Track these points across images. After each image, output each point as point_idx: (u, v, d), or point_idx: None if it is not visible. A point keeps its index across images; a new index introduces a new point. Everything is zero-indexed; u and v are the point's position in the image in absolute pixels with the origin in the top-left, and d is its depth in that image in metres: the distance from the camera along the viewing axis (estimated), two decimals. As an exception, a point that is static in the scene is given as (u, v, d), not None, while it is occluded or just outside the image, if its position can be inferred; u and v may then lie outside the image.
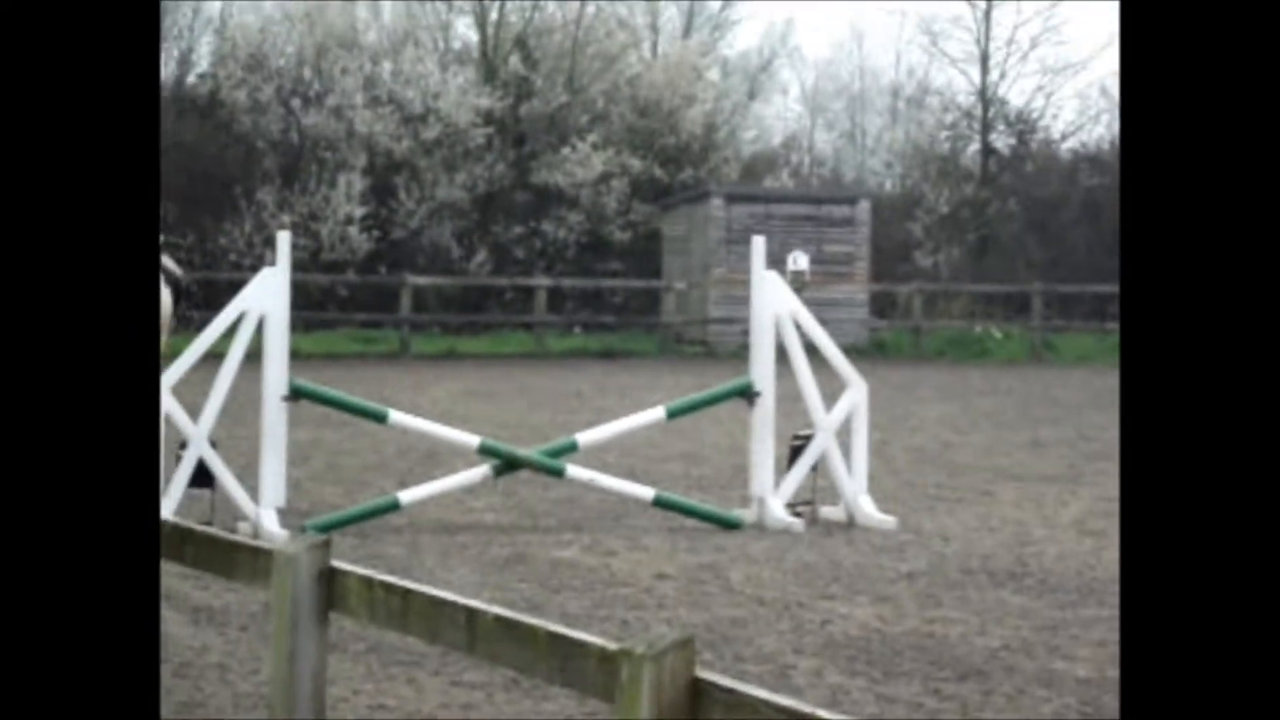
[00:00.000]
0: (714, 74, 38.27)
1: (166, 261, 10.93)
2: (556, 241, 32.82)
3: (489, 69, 34.09)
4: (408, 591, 4.05)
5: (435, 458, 13.10)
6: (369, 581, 4.17)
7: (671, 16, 40.38)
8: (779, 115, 44.74)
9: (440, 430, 10.43)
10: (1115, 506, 11.29)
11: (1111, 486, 12.33)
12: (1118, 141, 37.96)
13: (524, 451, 10.51)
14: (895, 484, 12.32)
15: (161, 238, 11.59)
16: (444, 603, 3.92)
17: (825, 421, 10.56)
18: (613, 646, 3.38)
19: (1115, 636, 7.31)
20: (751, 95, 41.31)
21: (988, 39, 38.39)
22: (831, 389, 10.81)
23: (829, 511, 10.67)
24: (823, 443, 10.53)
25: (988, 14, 38.25)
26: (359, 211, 31.29)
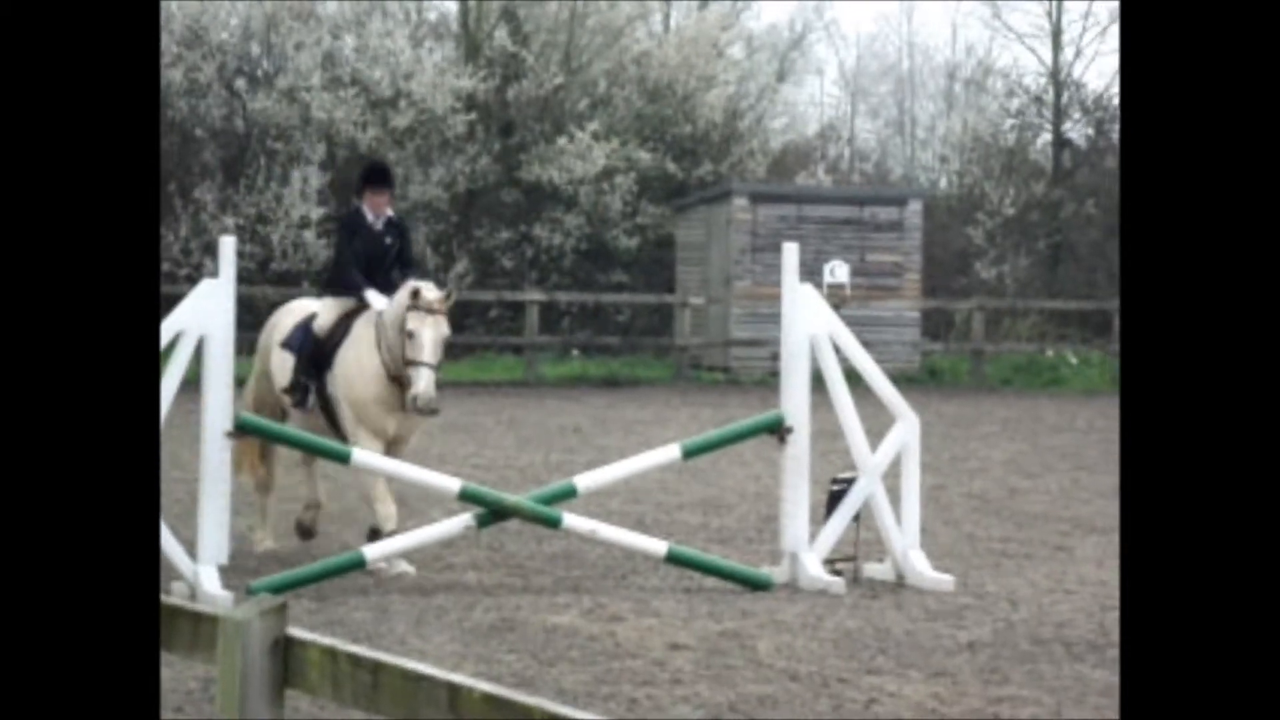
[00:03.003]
0: (737, 51, 38.39)
1: None
2: (551, 249, 32.89)
3: (471, 44, 34.21)
4: (378, 664, 4.04)
5: (407, 505, 13.09)
6: (332, 653, 4.17)
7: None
8: (814, 100, 44.91)
9: (413, 472, 10.44)
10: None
11: (1210, 541, 12.32)
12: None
13: (513, 498, 10.52)
14: (953, 537, 12.31)
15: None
16: (421, 678, 3.92)
17: (870, 463, 10.56)
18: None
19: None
20: (781, 77, 41.42)
21: (1060, 11, 38.50)
22: (877, 424, 10.81)
23: (875, 569, 10.66)
24: (867, 488, 10.52)
25: (1061, -19, 38.38)
26: (316, 213, 31.35)
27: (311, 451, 10.56)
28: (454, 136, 32.78)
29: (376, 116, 32.51)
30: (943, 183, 39.05)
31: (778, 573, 10.41)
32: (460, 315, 32.41)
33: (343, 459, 10.21)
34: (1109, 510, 13.93)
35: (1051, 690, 7.81)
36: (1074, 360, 30.76)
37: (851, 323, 12.28)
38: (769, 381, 25.01)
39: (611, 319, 32.85)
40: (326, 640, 4.25)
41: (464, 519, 10.24)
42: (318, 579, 9.92)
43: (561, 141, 33.00)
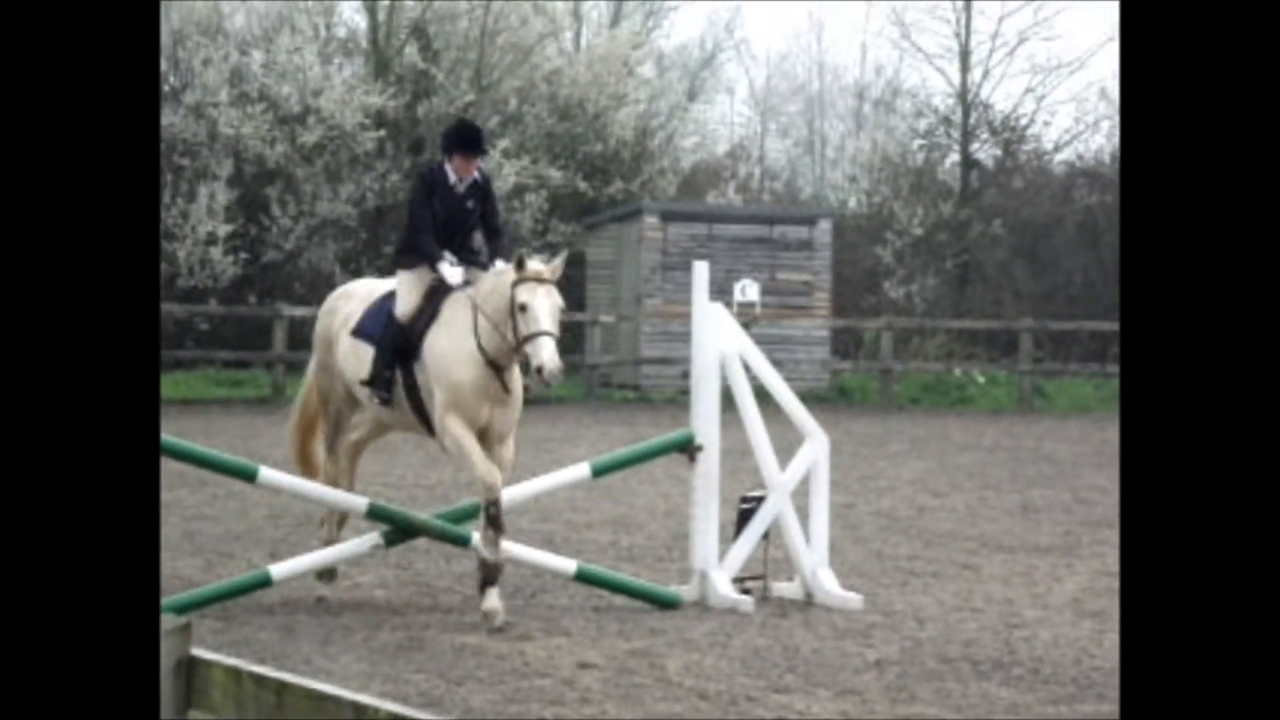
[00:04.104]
0: (648, 70, 38.48)
1: None
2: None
3: (380, 61, 34.09)
4: (282, 685, 4.01)
5: (314, 523, 13.02)
6: (236, 673, 4.13)
7: (597, 2, 40.62)
8: (724, 119, 45.09)
9: (320, 490, 10.37)
10: (1117, 583, 11.38)
11: (1113, 559, 12.43)
12: (1119, 153, 38.50)
13: (421, 516, 10.47)
14: (861, 555, 12.36)
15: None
16: (326, 698, 3.90)
17: (779, 481, 10.59)
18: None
19: (1120, 736, 7.37)
20: (692, 95, 41.54)
21: (969, 32, 38.84)
22: (787, 442, 10.84)
23: (784, 588, 10.69)
24: (776, 506, 10.55)
25: (968, 3, 38.71)
26: (224, 229, 31.13)
27: (216, 470, 10.39)
28: (363, 153, 32.64)
29: (285, 133, 32.33)
30: (852, 202, 39.27)
31: (687, 591, 10.42)
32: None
33: (249, 476, 10.11)
34: (1015, 529, 14.04)
35: (958, 708, 7.86)
36: (981, 379, 30.99)
37: (761, 341, 12.31)
38: (679, 400, 25.06)
39: (521, 337, 32.76)
40: (231, 660, 4.21)
41: (371, 537, 10.18)
42: (223, 598, 9.84)
43: (472, 159, 32.87)
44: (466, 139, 10.30)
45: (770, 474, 10.58)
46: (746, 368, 10.68)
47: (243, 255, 31.56)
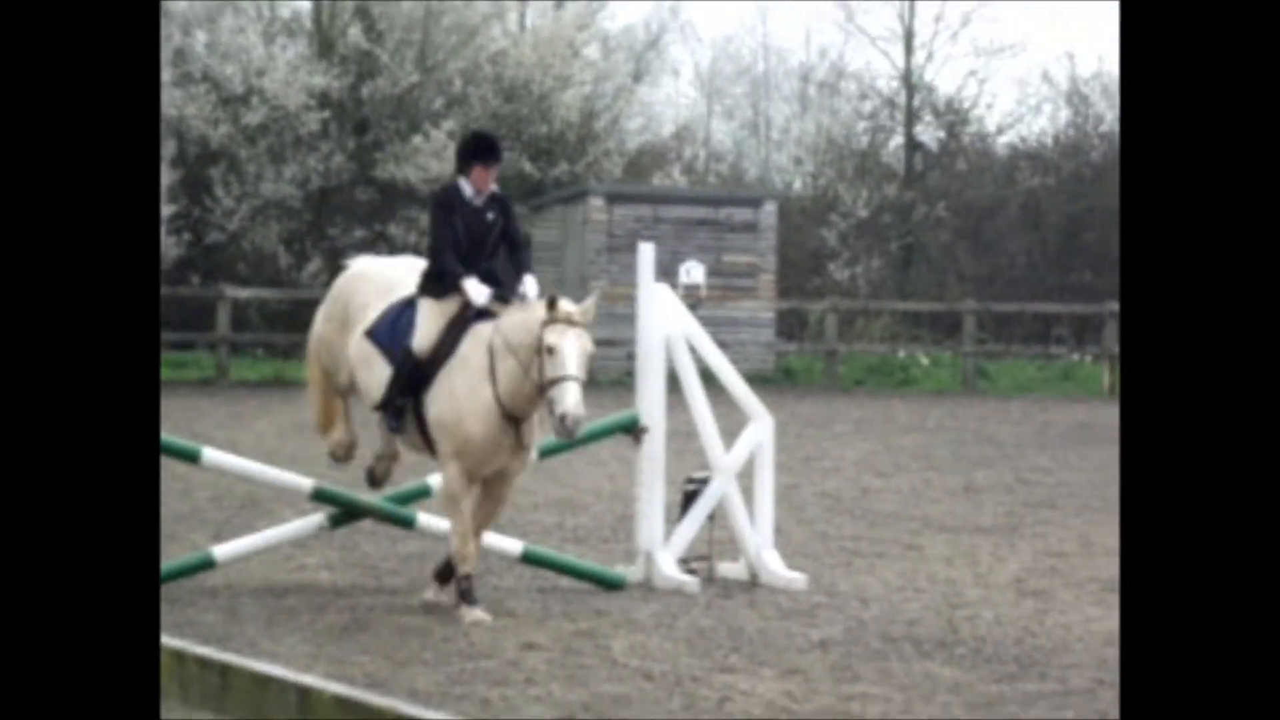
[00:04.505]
0: (593, 51, 38.41)
1: None
2: (406, 247, 32.65)
3: (324, 42, 33.93)
4: (226, 667, 4.00)
5: (258, 505, 12.98)
6: (179, 655, 4.12)
7: (543, -17, 40.49)
8: (670, 101, 45.03)
9: (265, 472, 10.34)
10: (1059, 563, 11.46)
11: (1055, 539, 12.51)
12: (1061, 135, 38.67)
13: (366, 497, 10.45)
14: (806, 536, 12.40)
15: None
16: (270, 680, 3.89)
17: (724, 462, 10.60)
18: (474, 730, 3.39)
19: (1060, 715, 7.42)
20: (637, 77, 41.49)
21: (912, 14, 38.93)
22: (732, 423, 10.86)
23: (728, 569, 10.71)
24: (721, 487, 10.57)
25: (913, -15, 38.77)
26: (166, 210, 30.96)
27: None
28: (307, 134, 32.49)
29: (228, 113, 32.15)
30: (797, 184, 39.34)
31: (632, 572, 10.43)
32: (312, 315, 32.15)
33: (192, 458, 10.07)
34: (958, 509, 14.11)
35: (901, 688, 7.89)
36: (925, 361, 31.12)
37: (707, 323, 12.32)
38: (625, 381, 25.06)
39: (467, 319, 32.70)
40: (175, 642, 4.20)
41: (317, 519, 10.16)
42: (166, 580, 9.80)
43: (416, 140, 32.81)
44: (484, 149, 9.94)
45: (715, 455, 10.59)
46: (692, 349, 10.69)
47: (186, 236, 31.41)
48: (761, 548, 10.56)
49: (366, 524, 10.87)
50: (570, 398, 9.02)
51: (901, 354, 31.32)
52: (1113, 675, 8.18)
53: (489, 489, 9.59)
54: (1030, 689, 7.91)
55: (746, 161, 43.04)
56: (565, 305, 9.25)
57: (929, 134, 38.65)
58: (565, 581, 10.33)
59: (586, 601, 9.86)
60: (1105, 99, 38.21)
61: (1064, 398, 27.79)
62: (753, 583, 10.48)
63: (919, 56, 38.82)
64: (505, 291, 9.57)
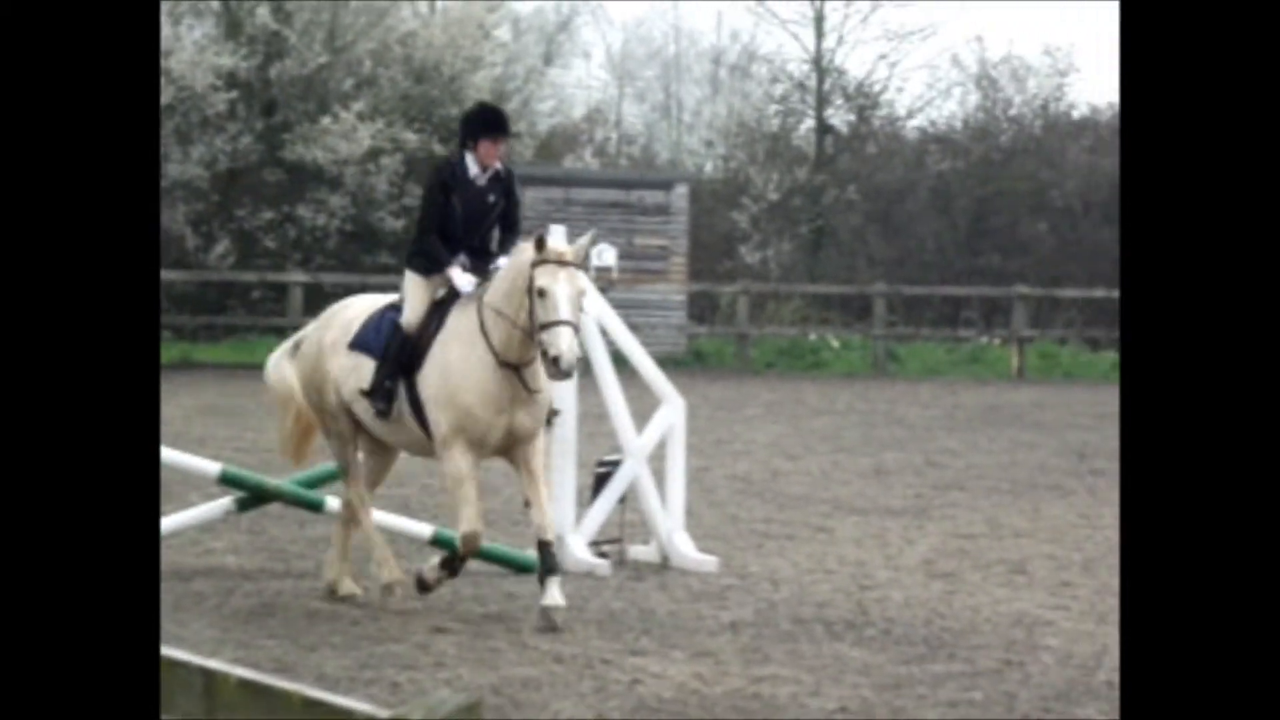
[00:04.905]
0: (504, 33, 38.28)
1: None
2: (315, 229, 32.49)
3: (232, 22, 33.64)
4: (131, 651, 3.96)
5: (165, 489, 12.84)
6: (83, 640, 4.07)
7: (453, -36, 40.32)
8: (581, 83, 44.96)
9: (171, 456, 10.25)
10: (968, 544, 11.55)
11: (964, 521, 12.60)
12: (971, 120, 38.92)
13: (274, 481, 10.38)
14: (717, 518, 12.43)
15: None
16: (176, 664, 3.85)
17: (635, 445, 10.61)
18: (383, 714, 3.36)
19: (968, 696, 7.47)
20: (548, 60, 41.42)
21: (824, -2, 39.01)
22: (643, 406, 10.86)
23: (640, 551, 10.72)
24: (632, 470, 10.57)
25: (824, -31, 38.90)
26: (72, 191, 30.64)
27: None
28: (214, 115, 32.19)
29: (135, 93, 31.80)
30: (708, 167, 39.40)
31: (543, 555, 10.42)
32: (221, 297, 31.91)
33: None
34: (868, 491, 14.18)
35: (811, 669, 7.93)
36: (835, 344, 31.25)
37: (618, 306, 12.31)
38: (535, 364, 25.03)
39: (377, 301, 32.55)
40: (78, 628, 4.15)
41: (224, 503, 10.09)
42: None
43: (326, 121, 32.58)
44: (491, 122, 9.48)
45: (627, 438, 10.60)
46: (603, 332, 10.68)
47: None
48: (673, 530, 10.58)
49: (274, 508, 10.79)
50: (563, 340, 8.60)
51: (812, 337, 31.44)
52: (1019, 655, 8.26)
53: (514, 463, 9.13)
54: (938, 670, 7.96)
55: (658, 144, 43.05)
56: (555, 243, 8.88)
57: (839, 118, 38.79)
58: (476, 564, 10.30)
59: (497, 584, 9.84)
60: (1014, 83, 38.49)
61: (973, 380, 27.99)
62: (664, 565, 10.49)
63: (830, 40, 38.95)
64: (491, 275, 9.18)
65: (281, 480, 10.42)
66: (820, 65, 38.64)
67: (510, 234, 9.45)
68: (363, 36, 34.45)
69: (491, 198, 9.32)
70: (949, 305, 33.14)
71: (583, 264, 8.94)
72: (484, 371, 8.85)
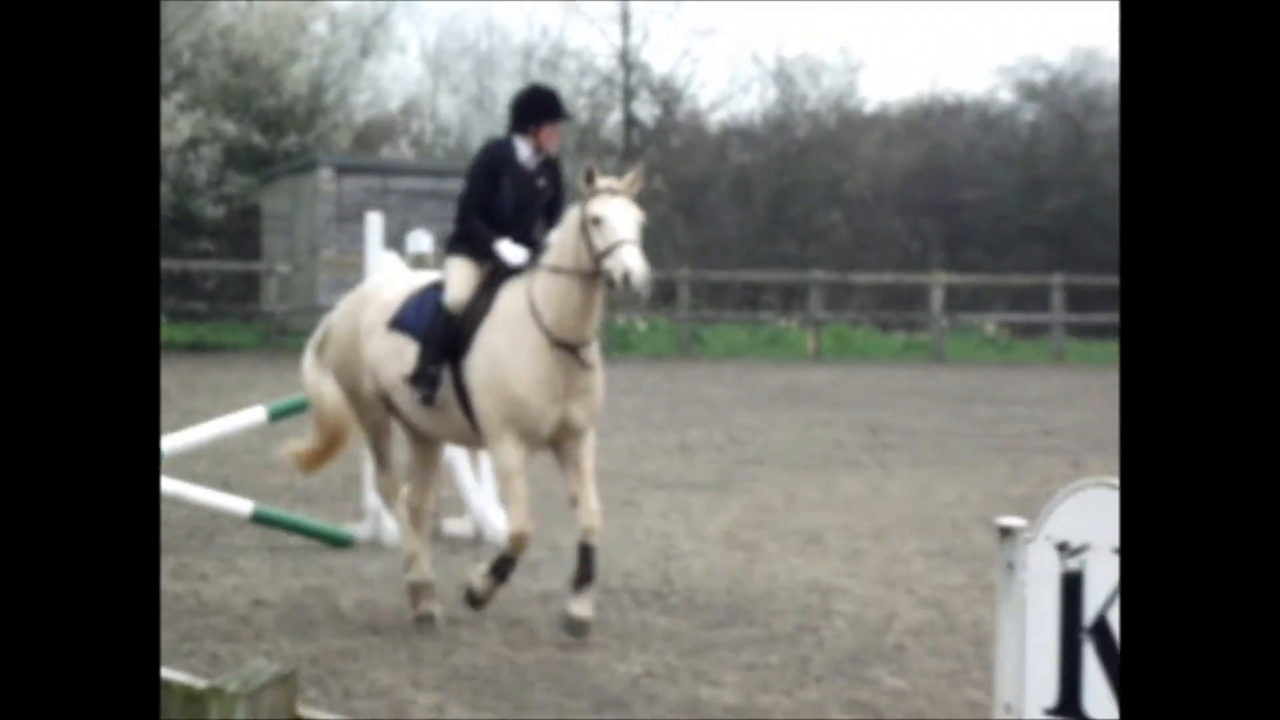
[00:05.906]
0: (321, 27, 37.87)
1: None
2: (136, 216, 31.93)
3: (53, 12, 32.89)
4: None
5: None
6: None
7: (272, -42, 39.75)
8: (397, 76, 44.62)
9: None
10: (766, 516, 11.68)
11: (763, 494, 12.75)
12: (770, 114, 39.29)
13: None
14: (529, 493, 12.42)
15: None
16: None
17: (449, 424, 10.58)
18: (200, 684, 3.34)
19: (766, 659, 7.57)
20: (364, 52, 41.02)
21: (630, -4, 39.11)
22: (456, 387, 10.83)
23: (453, 525, 10.70)
24: (448, 447, 10.54)
25: (631, -32, 38.99)
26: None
27: None
28: (36, 103, 31.47)
29: (-45, 81, 30.98)
30: (520, 158, 39.33)
31: (360, 530, 10.36)
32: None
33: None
34: (673, 467, 14.28)
35: (618, 636, 7.98)
36: (643, 326, 31.39)
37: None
38: (353, 347, 24.80)
39: (198, 286, 32.09)
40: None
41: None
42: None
43: (146, 110, 31.99)
44: (553, 106, 8.47)
45: (441, 417, 10.56)
46: (417, 315, 10.62)
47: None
48: (486, 505, 10.57)
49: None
50: (630, 258, 7.76)
51: (620, 320, 31.56)
52: (813, 621, 8.38)
53: (562, 459, 8.21)
54: (738, 635, 8.05)
55: (472, 135, 42.87)
56: (604, 179, 8.00)
57: (646, 111, 38.94)
58: (295, 540, 10.21)
59: (316, 559, 9.77)
60: (809, 79, 38.92)
61: (771, 361, 28.28)
62: (477, 539, 10.48)
63: (636, 36, 39.08)
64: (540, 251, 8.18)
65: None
66: (627, 60, 38.75)
67: (554, 221, 8.32)
68: (182, 29, 33.88)
69: (541, 183, 8.40)
70: (749, 290, 33.45)
71: (634, 196, 8.10)
72: (537, 356, 7.89)
